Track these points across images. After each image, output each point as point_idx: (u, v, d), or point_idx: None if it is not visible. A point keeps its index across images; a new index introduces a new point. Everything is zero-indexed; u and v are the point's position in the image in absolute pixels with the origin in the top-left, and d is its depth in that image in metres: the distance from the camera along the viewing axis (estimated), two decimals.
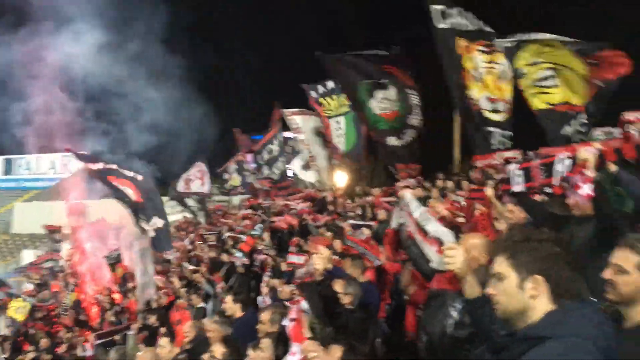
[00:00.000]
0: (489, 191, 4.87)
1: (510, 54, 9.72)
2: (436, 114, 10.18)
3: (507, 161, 8.56)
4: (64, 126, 26.45)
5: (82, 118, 26.63)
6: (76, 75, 24.79)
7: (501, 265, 1.87)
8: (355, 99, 12.74)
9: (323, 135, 15.70)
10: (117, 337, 10.00)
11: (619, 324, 2.21)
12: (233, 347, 4.57)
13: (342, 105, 15.01)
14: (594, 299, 2.76)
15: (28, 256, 27.48)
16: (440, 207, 4.80)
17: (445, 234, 3.12)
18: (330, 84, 14.91)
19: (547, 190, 4.17)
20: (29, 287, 19.70)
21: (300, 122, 16.19)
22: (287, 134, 18.43)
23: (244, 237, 10.74)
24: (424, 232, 3.49)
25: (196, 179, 18.54)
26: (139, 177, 11.15)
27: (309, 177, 17.42)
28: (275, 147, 18.32)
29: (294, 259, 7.91)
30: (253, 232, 10.97)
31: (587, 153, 3.61)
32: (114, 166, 11.43)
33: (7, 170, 41.12)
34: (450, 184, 9.91)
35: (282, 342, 4.47)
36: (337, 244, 7.15)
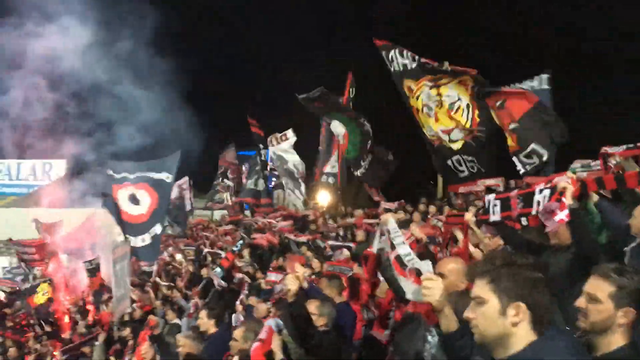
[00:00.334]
0: (468, 215, 4.86)
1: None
2: (421, 141, 10.26)
3: (489, 189, 8.59)
4: (46, 128, 25.96)
5: (66, 118, 26.03)
6: (60, 74, 24.24)
7: (482, 289, 1.84)
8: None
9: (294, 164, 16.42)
10: (86, 349, 9.77)
11: (590, 353, 2.21)
12: None
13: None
14: (567, 328, 2.78)
15: (2, 262, 26.85)
16: (417, 230, 4.76)
17: (423, 265, 3.08)
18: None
19: (523, 221, 4.19)
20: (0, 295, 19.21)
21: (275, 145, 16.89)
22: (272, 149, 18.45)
23: (222, 254, 10.64)
24: (402, 266, 3.44)
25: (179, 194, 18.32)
26: (168, 179, 11.46)
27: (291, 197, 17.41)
28: (257, 164, 18.40)
29: (272, 277, 7.86)
30: (234, 248, 10.87)
31: (566, 182, 3.65)
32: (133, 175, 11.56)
33: None
34: (432, 208, 9.99)
35: None
36: (315, 263, 7.12)
